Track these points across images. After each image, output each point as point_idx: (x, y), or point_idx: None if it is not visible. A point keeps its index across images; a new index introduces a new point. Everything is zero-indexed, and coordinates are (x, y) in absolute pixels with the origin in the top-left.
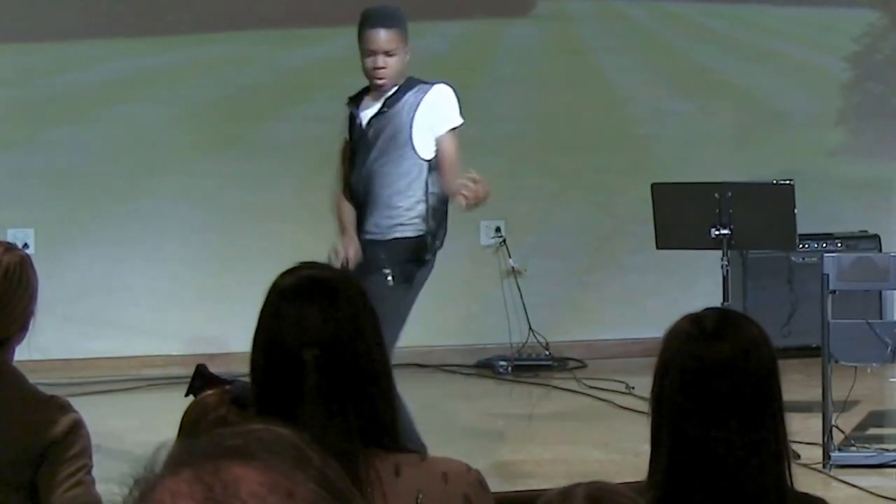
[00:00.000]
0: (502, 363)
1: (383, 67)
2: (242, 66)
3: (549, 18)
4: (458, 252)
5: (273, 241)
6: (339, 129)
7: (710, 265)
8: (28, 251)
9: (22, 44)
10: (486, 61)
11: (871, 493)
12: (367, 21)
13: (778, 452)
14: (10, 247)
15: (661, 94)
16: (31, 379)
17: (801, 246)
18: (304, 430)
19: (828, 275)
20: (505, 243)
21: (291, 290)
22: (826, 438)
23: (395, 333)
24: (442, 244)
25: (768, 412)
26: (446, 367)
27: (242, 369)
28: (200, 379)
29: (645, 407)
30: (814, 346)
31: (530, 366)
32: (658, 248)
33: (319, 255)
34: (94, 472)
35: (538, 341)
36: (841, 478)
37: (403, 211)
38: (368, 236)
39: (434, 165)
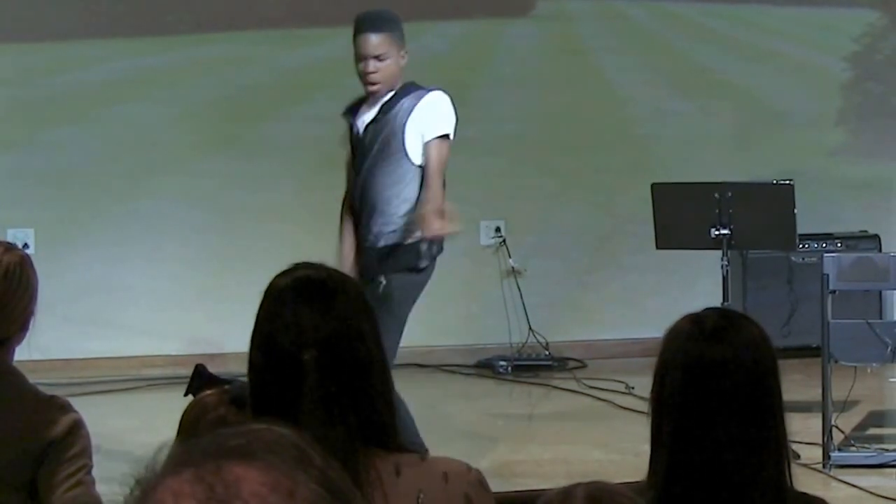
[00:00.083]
0: (502, 363)
1: (374, 72)
2: (242, 66)
3: (549, 18)
4: (458, 252)
5: (273, 241)
6: (339, 142)
7: (710, 265)
8: (28, 251)
9: (22, 44)
10: (486, 61)
11: (870, 493)
12: (357, 26)
13: (778, 452)
14: (10, 247)
15: (661, 94)
16: (31, 379)
17: (801, 246)
18: (303, 430)
19: (828, 275)
20: (505, 243)
21: (288, 291)
22: (826, 438)
23: (390, 341)
24: (441, 249)
25: (768, 412)
26: (446, 367)
27: (242, 369)
28: (199, 379)
29: (645, 407)
30: (814, 346)
31: (530, 366)
32: (658, 248)
33: (319, 255)
34: (94, 472)
35: (538, 341)
36: (841, 478)
37: (397, 218)
38: (366, 244)
39: None
